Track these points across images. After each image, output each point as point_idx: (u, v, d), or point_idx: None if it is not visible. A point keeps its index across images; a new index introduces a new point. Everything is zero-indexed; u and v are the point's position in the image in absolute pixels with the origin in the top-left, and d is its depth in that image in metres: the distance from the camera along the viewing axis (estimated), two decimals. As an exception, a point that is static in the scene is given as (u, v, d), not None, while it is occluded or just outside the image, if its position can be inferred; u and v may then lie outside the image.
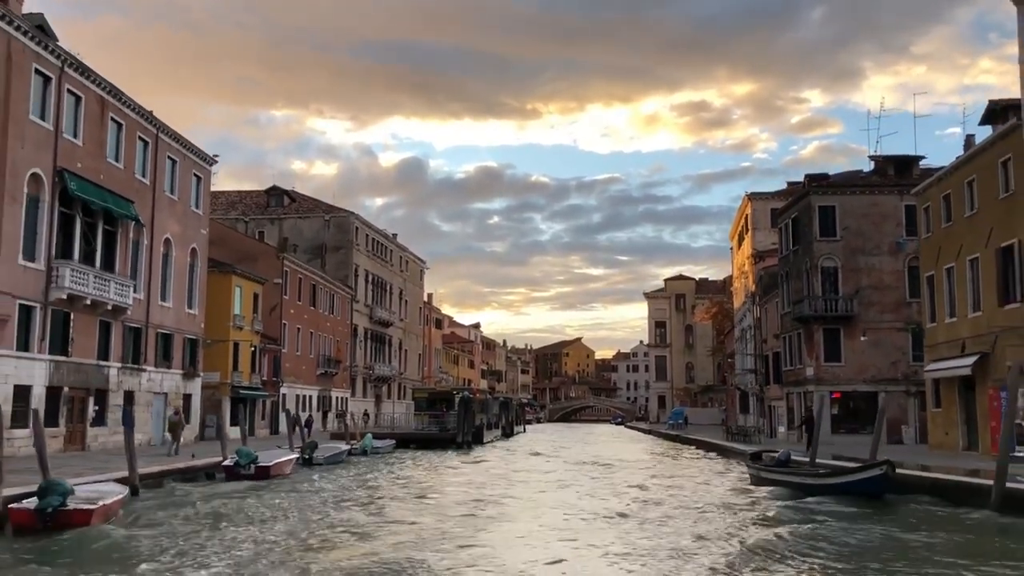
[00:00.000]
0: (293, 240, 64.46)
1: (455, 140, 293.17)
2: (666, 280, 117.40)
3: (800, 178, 55.03)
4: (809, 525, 16.38)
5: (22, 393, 27.48)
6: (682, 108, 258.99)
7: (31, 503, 14.83)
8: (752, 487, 24.54)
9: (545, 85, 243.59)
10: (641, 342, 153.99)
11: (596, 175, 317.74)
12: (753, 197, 68.76)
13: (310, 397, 56.82)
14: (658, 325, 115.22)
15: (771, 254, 55.98)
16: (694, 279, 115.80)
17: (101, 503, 15.54)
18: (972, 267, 30.51)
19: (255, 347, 47.31)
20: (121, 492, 17.32)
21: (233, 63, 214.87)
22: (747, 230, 68.54)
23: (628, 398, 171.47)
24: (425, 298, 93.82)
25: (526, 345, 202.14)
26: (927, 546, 14.05)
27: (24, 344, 27.74)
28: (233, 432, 40.15)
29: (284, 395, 51.97)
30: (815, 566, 12.67)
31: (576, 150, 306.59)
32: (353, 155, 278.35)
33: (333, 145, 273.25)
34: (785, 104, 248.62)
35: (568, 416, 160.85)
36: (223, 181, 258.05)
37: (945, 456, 29.55)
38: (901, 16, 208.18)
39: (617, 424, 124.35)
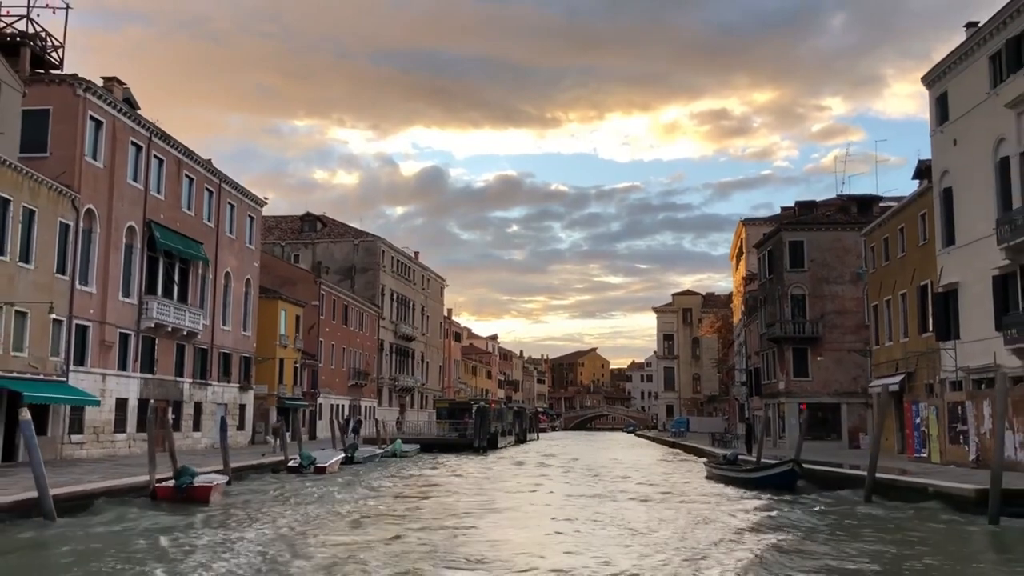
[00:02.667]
0: (325, 263, 70.97)
1: (475, 149, 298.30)
2: (674, 295, 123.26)
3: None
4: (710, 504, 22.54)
5: (121, 404, 34.14)
6: (702, 116, 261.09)
7: (169, 482, 21.23)
8: (706, 480, 30.67)
9: (565, 93, 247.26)
10: (654, 353, 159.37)
11: (616, 183, 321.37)
12: (747, 223, 74.78)
13: (343, 406, 63.25)
14: (666, 338, 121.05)
15: (758, 278, 61.89)
16: (701, 294, 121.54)
17: (215, 483, 21.97)
18: (903, 300, 36.50)
19: (297, 363, 53.83)
20: (224, 478, 23.71)
21: (254, 72, 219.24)
22: (742, 253, 74.53)
23: (642, 407, 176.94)
24: (445, 313, 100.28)
25: (542, 355, 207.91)
26: (786, 515, 20.17)
27: (123, 364, 34.36)
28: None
29: (321, 404, 58.45)
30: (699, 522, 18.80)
31: (596, 158, 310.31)
32: (374, 165, 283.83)
33: (354, 155, 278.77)
34: (806, 112, 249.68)
35: (583, 424, 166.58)
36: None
37: (882, 458, 35.35)
38: (922, 22, 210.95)
39: (629, 432, 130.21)
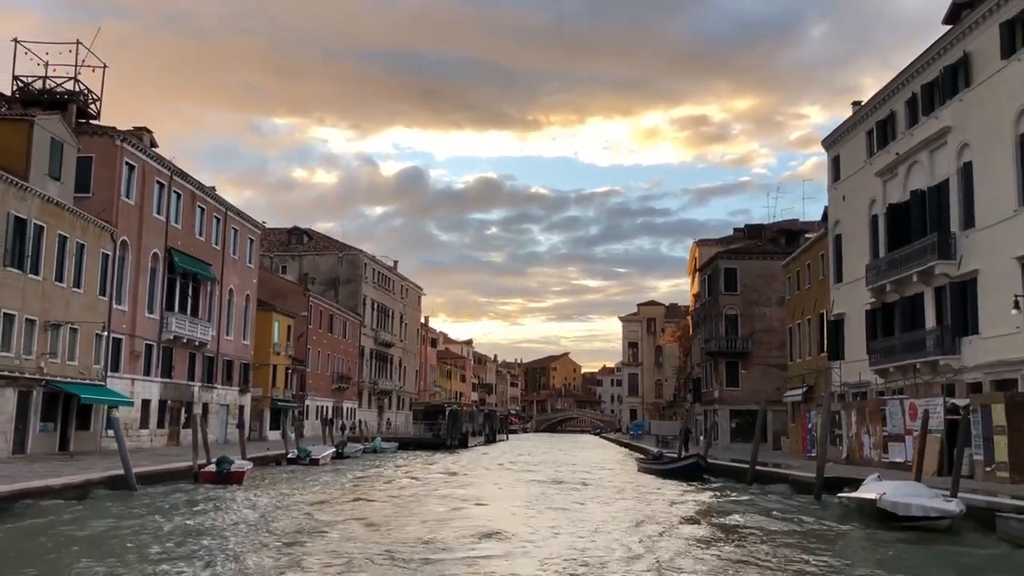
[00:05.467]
0: (311, 274, 77.04)
1: (456, 150, 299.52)
2: (639, 305, 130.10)
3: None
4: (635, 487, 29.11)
5: (145, 404, 40.20)
6: (682, 122, 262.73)
7: (211, 467, 27.41)
8: (637, 473, 37.29)
9: (547, 96, 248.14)
10: (621, 360, 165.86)
11: (595, 187, 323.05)
12: (701, 243, 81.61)
13: (327, 407, 69.35)
14: (631, 345, 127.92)
15: (700, 298, 68.67)
16: (664, 305, 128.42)
17: (246, 469, 28.22)
18: (808, 325, 43.35)
19: (288, 368, 59.92)
20: (250, 465, 29.91)
21: (237, 70, 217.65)
22: (695, 271, 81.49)
23: (611, 410, 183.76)
24: (422, 320, 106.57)
25: (516, 359, 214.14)
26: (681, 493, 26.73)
27: (147, 371, 40.42)
28: (272, 435, 53.34)
29: (308, 406, 64.52)
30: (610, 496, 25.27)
31: (576, 162, 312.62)
32: (354, 164, 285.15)
33: (334, 154, 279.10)
34: (785, 120, 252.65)
35: (554, 427, 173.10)
36: (224, 188, 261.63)
37: (789, 457, 42.09)
38: (901, 34, 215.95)
39: (596, 434, 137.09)
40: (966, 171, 28.36)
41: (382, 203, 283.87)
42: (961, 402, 25.98)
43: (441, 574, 13.04)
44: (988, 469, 23.99)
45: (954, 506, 16.87)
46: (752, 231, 73.37)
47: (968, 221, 28.12)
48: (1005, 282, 25.39)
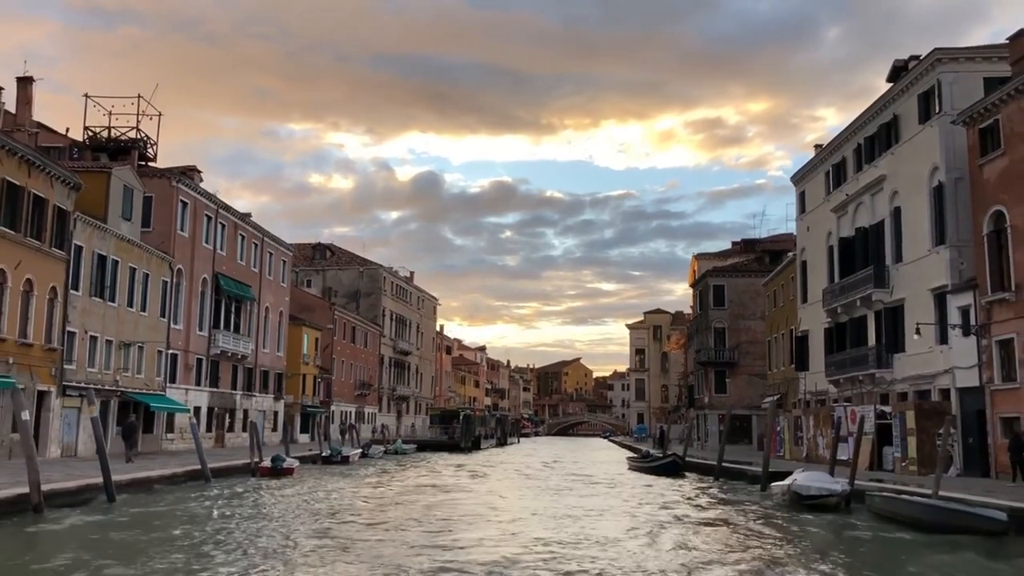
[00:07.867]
0: (334, 287, 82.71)
1: (471, 155, 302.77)
2: (645, 313, 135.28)
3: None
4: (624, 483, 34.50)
5: (196, 411, 45.84)
6: (697, 125, 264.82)
7: (267, 463, 32.96)
8: (628, 470, 42.65)
9: (560, 100, 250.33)
10: (628, 368, 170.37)
11: (610, 191, 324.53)
12: (699, 257, 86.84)
13: (351, 412, 74.98)
14: (638, 352, 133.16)
15: (694, 311, 73.77)
16: (670, 313, 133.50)
17: (295, 465, 33.81)
18: (783, 339, 48.54)
19: (316, 377, 65.59)
20: (297, 462, 35.44)
21: (251, 75, 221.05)
22: (693, 285, 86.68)
23: (621, 415, 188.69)
24: (437, 328, 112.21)
25: (528, 364, 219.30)
26: (662, 486, 32.03)
27: (197, 381, 46.11)
28: (302, 438, 59.10)
29: (333, 411, 70.18)
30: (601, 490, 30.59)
31: (591, 166, 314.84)
32: (370, 169, 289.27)
33: (351, 159, 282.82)
34: (800, 122, 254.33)
35: (565, 430, 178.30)
36: (239, 193, 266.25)
37: (756, 456, 47.11)
38: (916, 35, 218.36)
39: (606, 438, 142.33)
40: (896, 214, 33.59)
41: (398, 208, 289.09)
42: (888, 409, 31.28)
43: (447, 533, 18.47)
44: (903, 464, 29.25)
45: (839, 487, 22.20)
46: (747, 245, 78.56)
47: (898, 256, 33.35)
48: (923, 309, 30.60)
